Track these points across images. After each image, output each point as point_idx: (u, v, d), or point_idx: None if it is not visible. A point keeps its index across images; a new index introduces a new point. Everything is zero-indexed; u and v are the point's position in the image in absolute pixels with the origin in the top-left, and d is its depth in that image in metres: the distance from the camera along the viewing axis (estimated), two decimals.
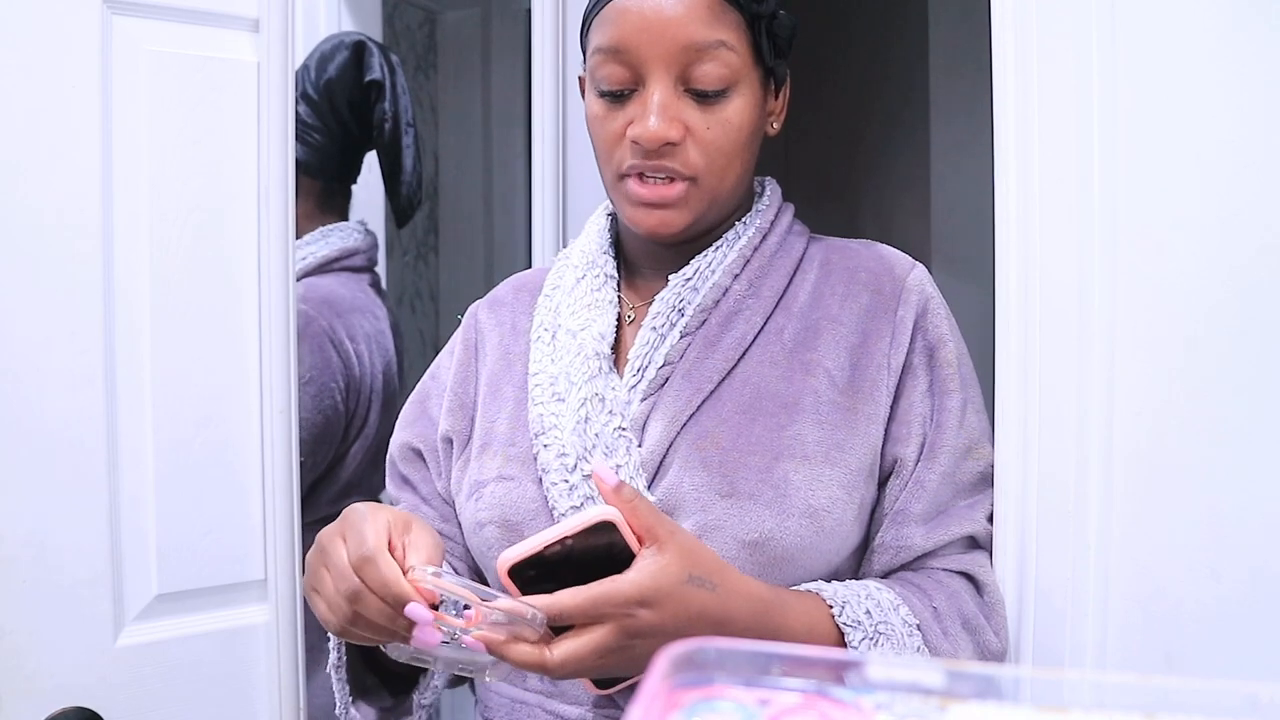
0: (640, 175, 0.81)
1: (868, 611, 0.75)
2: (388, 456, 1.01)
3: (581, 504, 0.80)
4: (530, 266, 1.39)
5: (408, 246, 2.66)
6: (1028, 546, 0.84)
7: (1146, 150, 0.77)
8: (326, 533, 0.73)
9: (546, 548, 0.67)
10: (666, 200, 0.81)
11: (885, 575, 0.84)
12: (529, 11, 1.52)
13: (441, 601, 0.67)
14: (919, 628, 0.77)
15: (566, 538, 0.67)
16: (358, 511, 0.72)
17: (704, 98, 0.80)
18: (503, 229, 2.71)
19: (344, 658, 0.83)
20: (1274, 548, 0.72)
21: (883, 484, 0.84)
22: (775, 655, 0.34)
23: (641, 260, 0.92)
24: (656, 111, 0.78)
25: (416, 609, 0.65)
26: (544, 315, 0.91)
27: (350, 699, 0.84)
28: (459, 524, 0.91)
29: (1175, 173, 0.76)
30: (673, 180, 0.81)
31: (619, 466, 0.80)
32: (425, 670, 0.87)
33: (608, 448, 0.81)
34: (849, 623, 0.74)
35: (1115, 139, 0.78)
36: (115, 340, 1.03)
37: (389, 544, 0.68)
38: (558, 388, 0.85)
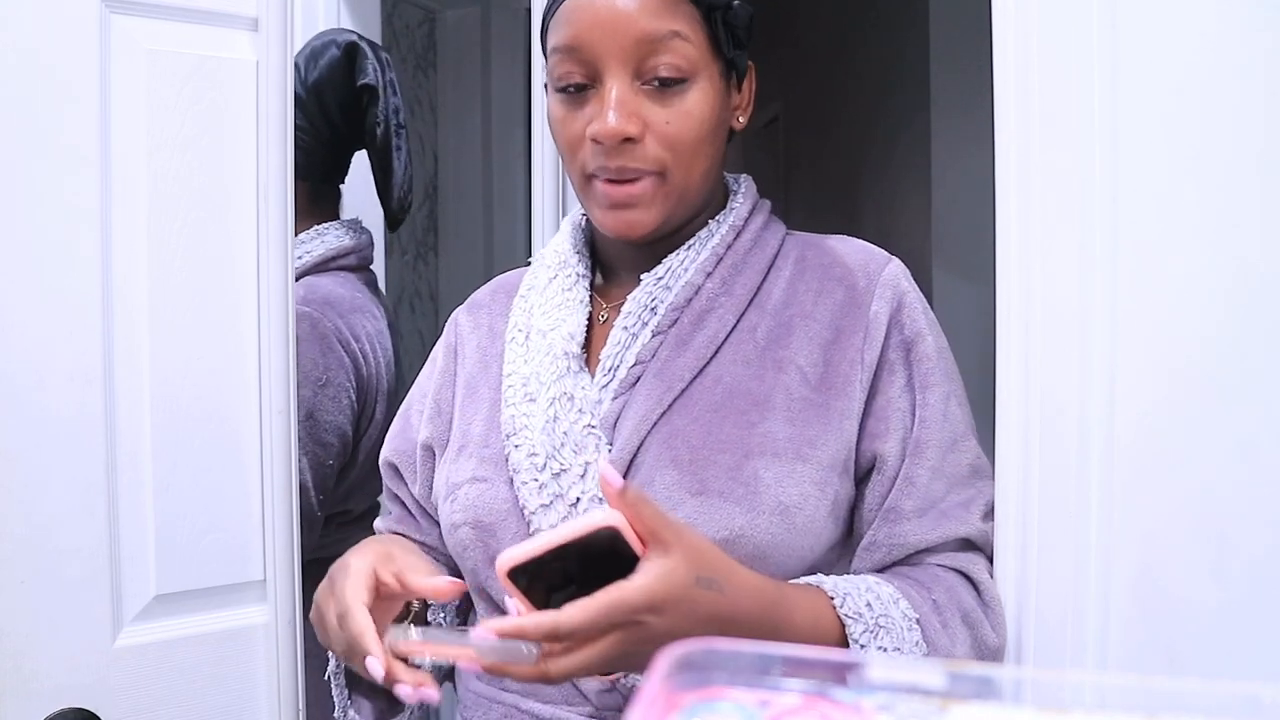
0: (608, 179, 0.81)
1: (868, 604, 0.75)
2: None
3: (551, 502, 0.81)
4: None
5: (407, 246, 2.66)
6: (1028, 546, 0.84)
7: (1147, 150, 0.77)
8: (320, 592, 0.78)
9: (547, 553, 0.66)
10: (634, 199, 0.81)
11: (880, 571, 0.83)
12: (529, 10, 1.51)
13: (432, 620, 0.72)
14: (918, 622, 0.76)
15: (568, 543, 0.65)
16: (337, 568, 0.77)
17: (663, 90, 0.80)
18: (503, 229, 2.72)
19: (342, 663, 0.86)
20: (1276, 547, 0.72)
21: (861, 480, 0.84)
22: (775, 656, 0.34)
23: (615, 260, 0.91)
24: (614, 107, 0.78)
25: (373, 664, 0.68)
26: (519, 316, 0.92)
27: (349, 701, 0.86)
28: (440, 531, 0.92)
29: (1176, 172, 0.76)
30: (637, 179, 0.80)
31: (588, 465, 0.81)
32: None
33: (577, 446, 0.81)
34: (850, 614, 0.74)
35: (1116, 139, 0.78)
36: (114, 340, 1.03)
37: (376, 583, 0.74)
38: (529, 388, 0.85)
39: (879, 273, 0.86)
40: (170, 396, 1.06)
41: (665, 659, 0.34)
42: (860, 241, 0.91)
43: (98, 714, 1.00)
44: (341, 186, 1.59)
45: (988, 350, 0.89)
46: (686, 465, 0.79)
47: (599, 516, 0.65)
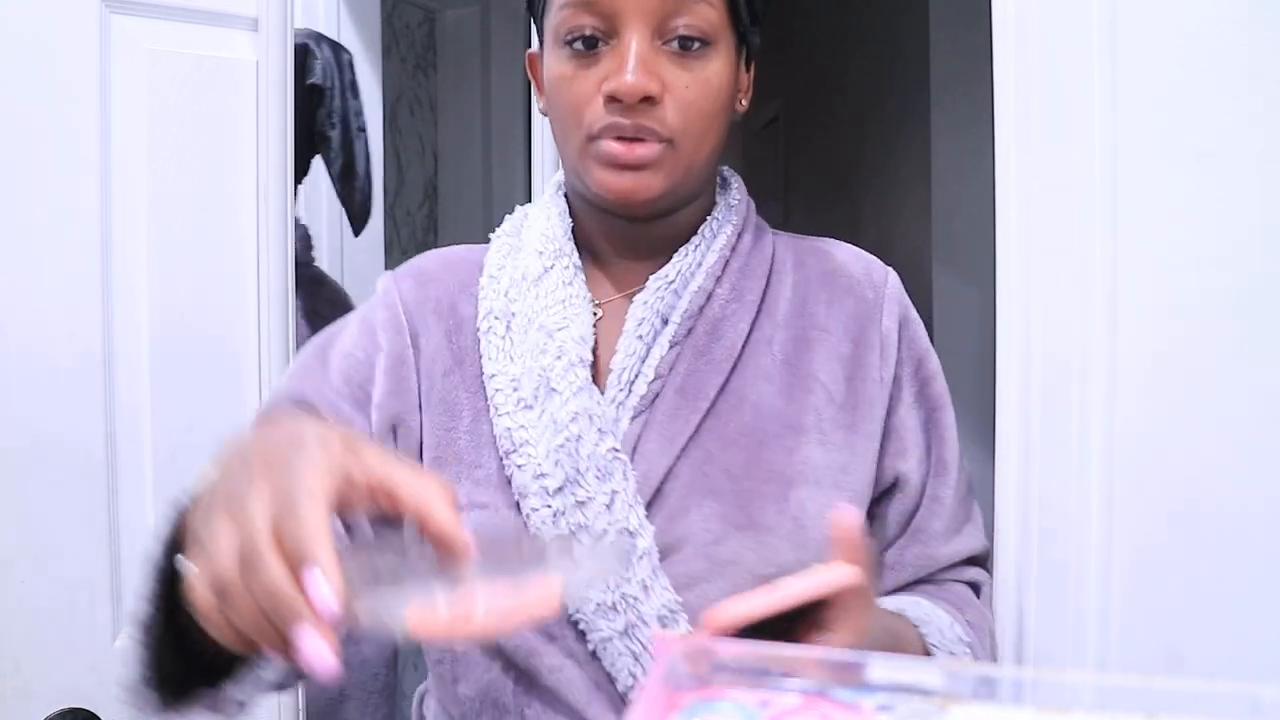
0: (619, 137, 0.73)
1: (939, 630, 0.74)
2: (259, 411, 0.80)
3: (573, 531, 0.72)
4: None
5: (407, 246, 2.66)
6: (1028, 547, 0.84)
7: (1148, 150, 0.77)
8: (230, 460, 0.52)
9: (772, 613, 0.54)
10: (644, 161, 0.73)
11: (898, 590, 0.81)
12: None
13: None
14: (969, 645, 0.76)
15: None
16: (273, 431, 0.52)
17: (683, 53, 0.73)
18: None
19: (157, 614, 0.57)
20: (1277, 548, 0.72)
21: (877, 499, 0.81)
22: (775, 656, 0.34)
23: (603, 249, 0.82)
24: (635, 64, 0.71)
25: (319, 580, 0.42)
26: (492, 301, 0.79)
27: (149, 674, 0.58)
28: None
29: (1176, 173, 0.76)
30: (649, 141, 0.73)
31: (615, 494, 0.72)
32: (245, 659, 0.58)
33: (600, 472, 0.72)
34: (934, 643, 0.73)
35: (1116, 139, 0.78)
36: (114, 342, 1.03)
37: (345, 486, 0.47)
38: (523, 393, 0.75)
39: (884, 285, 0.83)
40: (169, 399, 1.06)
41: (665, 659, 0.34)
42: (852, 247, 0.88)
43: (98, 714, 1.00)
44: (300, 187, 1.58)
45: (988, 350, 0.89)
46: (729, 496, 0.72)
47: (846, 574, 0.55)
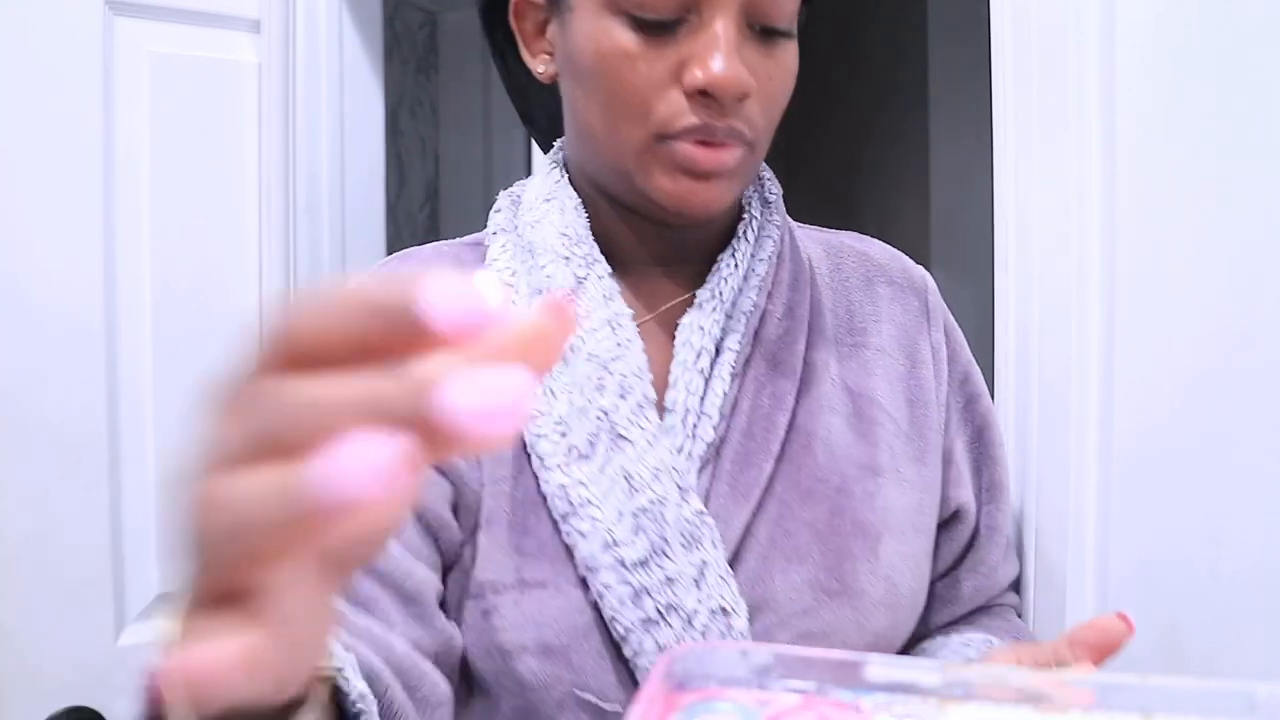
0: (703, 141, 0.59)
1: None
2: None
3: (660, 617, 0.59)
4: None
5: (408, 247, 2.67)
6: (1026, 546, 0.84)
7: (1146, 148, 0.77)
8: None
9: None
10: (723, 168, 0.60)
11: (957, 621, 0.75)
12: None
13: None
14: None
15: None
16: None
17: (765, 39, 0.61)
18: None
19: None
20: (1273, 546, 0.72)
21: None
22: (775, 656, 0.34)
23: (627, 254, 0.67)
24: (728, 52, 0.57)
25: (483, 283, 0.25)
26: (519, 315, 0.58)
27: None
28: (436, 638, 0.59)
29: (1174, 172, 0.76)
30: (730, 145, 0.60)
31: (704, 564, 0.59)
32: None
33: (686, 538, 0.60)
34: None
35: (1114, 139, 0.78)
36: (117, 339, 1.03)
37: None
38: (574, 439, 0.61)
39: (924, 290, 0.74)
40: (172, 396, 1.06)
41: (665, 660, 0.34)
42: (879, 242, 0.79)
43: (101, 712, 1.01)
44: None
45: (986, 350, 0.89)
46: (816, 558, 0.63)
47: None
